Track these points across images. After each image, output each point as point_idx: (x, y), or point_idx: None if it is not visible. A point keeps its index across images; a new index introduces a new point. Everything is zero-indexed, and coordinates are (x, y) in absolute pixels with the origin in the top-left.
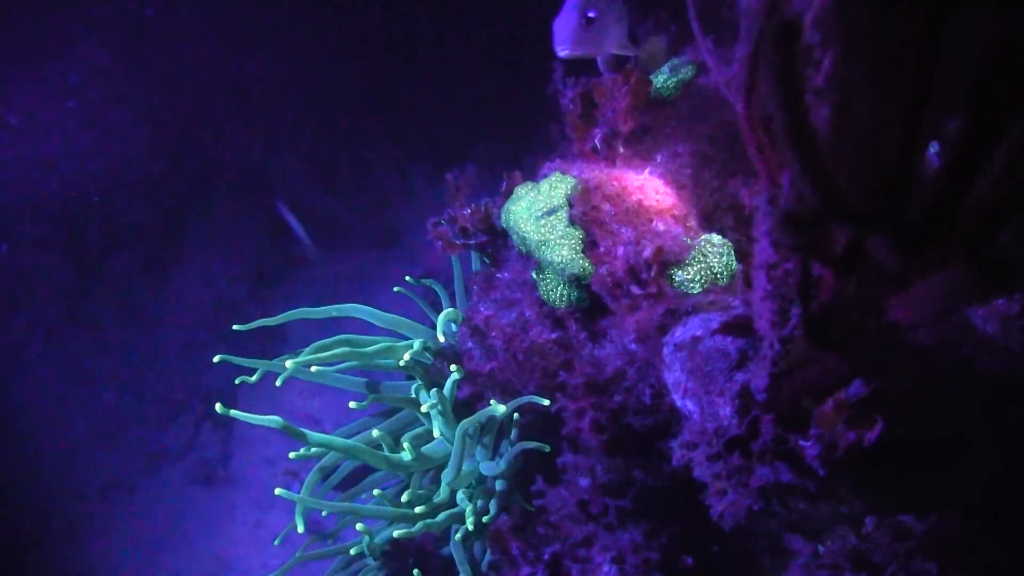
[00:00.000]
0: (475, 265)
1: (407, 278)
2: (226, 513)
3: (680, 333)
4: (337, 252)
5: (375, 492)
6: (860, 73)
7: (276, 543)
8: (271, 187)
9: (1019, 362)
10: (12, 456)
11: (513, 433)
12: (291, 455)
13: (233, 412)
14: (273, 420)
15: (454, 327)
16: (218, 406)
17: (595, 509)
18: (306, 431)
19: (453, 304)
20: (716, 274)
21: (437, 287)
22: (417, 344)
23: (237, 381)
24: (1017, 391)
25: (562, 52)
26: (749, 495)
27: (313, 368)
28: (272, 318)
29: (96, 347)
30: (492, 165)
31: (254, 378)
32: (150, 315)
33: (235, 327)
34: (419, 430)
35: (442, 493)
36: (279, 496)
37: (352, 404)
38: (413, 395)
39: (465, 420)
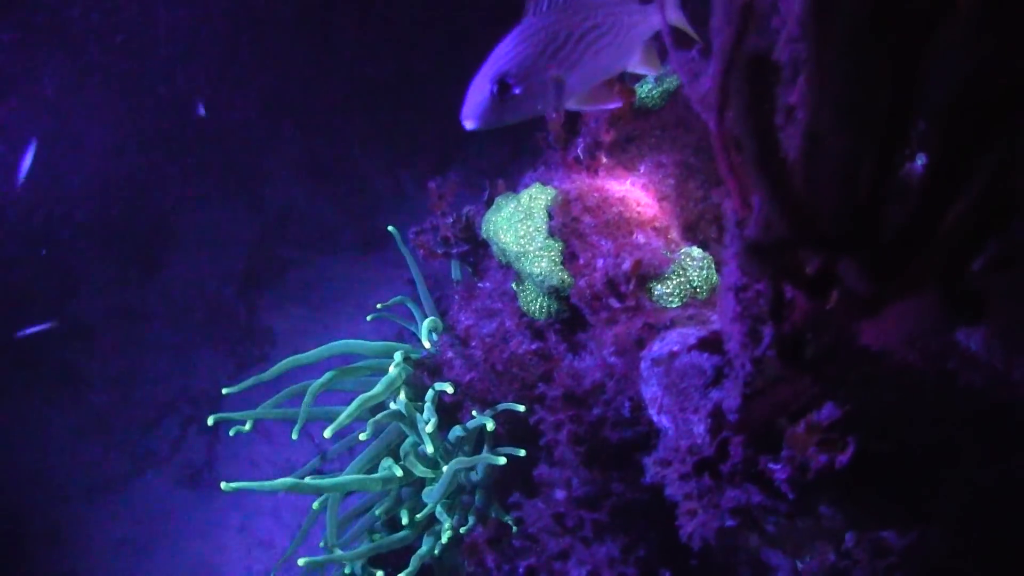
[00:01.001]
0: (456, 274)
1: (378, 305)
2: (211, 517)
3: (658, 348)
4: (328, 255)
5: (374, 537)
6: (831, 103)
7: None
8: (260, 187)
9: (1003, 378)
10: None
11: (486, 445)
12: (315, 505)
13: (241, 484)
14: (284, 483)
15: (435, 336)
16: (223, 484)
17: (571, 522)
18: (316, 482)
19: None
20: (696, 288)
21: (409, 303)
22: (398, 356)
23: (232, 432)
24: (1000, 407)
25: (467, 126)
26: (719, 516)
27: (328, 433)
28: (265, 373)
29: (82, 347)
30: (482, 171)
31: (247, 427)
32: (138, 315)
33: (224, 391)
34: (410, 441)
35: (428, 509)
36: (266, 502)
37: (361, 436)
38: (401, 409)
39: (461, 459)
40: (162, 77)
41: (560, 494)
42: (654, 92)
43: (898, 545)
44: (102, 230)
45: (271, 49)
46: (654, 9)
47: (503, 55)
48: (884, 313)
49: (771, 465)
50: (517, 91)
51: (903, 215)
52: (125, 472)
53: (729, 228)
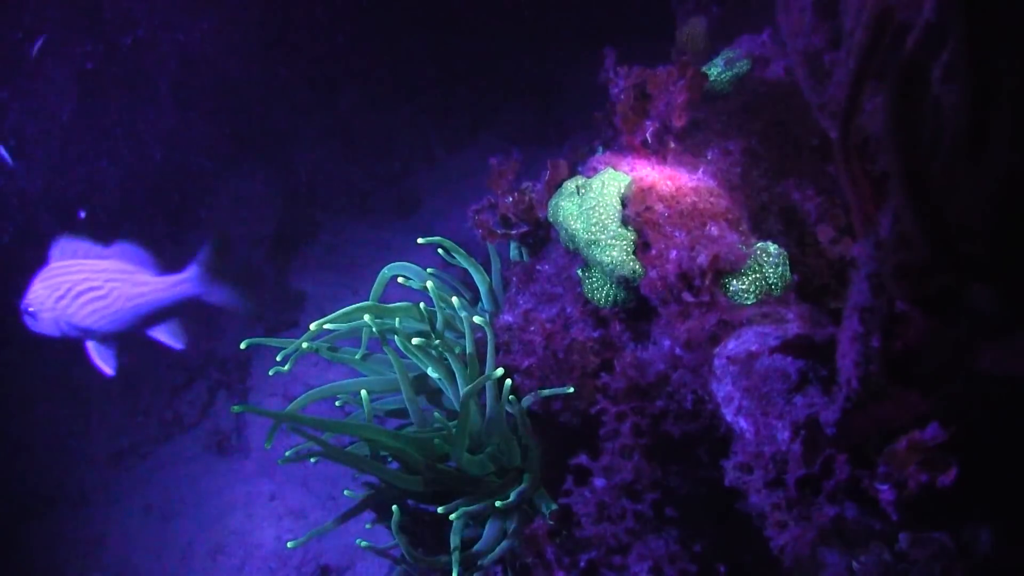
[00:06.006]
0: (513, 254)
1: (439, 250)
2: (239, 484)
3: (733, 346)
4: (357, 220)
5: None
6: (1003, 114)
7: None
8: (291, 150)
9: None
10: (25, 419)
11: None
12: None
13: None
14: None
15: (488, 306)
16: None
17: (632, 517)
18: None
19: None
20: (771, 285)
21: (473, 270)
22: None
23: (271, 372)
24: None
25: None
26: (811, 528)
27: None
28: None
29: None
30: (511, 137)
31: (287, 367)
32: None
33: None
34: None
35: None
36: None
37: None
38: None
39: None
40: (199, 40)
41: (622, 488)
42: (724, 76)
43: (952, 546)
44: (131, 190)
45: (301, 13)
46: (166, 284)
47: (32, 284)
48: (1013, 338)
49: (878, 485)
50: (37, 320)
51: None
52: (152, 437)
53: (865, 249)
